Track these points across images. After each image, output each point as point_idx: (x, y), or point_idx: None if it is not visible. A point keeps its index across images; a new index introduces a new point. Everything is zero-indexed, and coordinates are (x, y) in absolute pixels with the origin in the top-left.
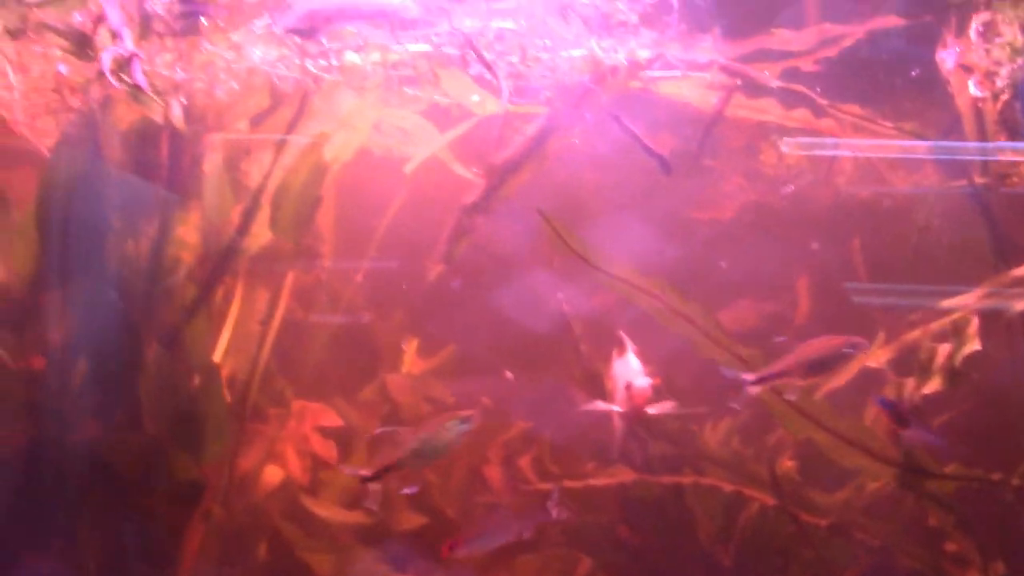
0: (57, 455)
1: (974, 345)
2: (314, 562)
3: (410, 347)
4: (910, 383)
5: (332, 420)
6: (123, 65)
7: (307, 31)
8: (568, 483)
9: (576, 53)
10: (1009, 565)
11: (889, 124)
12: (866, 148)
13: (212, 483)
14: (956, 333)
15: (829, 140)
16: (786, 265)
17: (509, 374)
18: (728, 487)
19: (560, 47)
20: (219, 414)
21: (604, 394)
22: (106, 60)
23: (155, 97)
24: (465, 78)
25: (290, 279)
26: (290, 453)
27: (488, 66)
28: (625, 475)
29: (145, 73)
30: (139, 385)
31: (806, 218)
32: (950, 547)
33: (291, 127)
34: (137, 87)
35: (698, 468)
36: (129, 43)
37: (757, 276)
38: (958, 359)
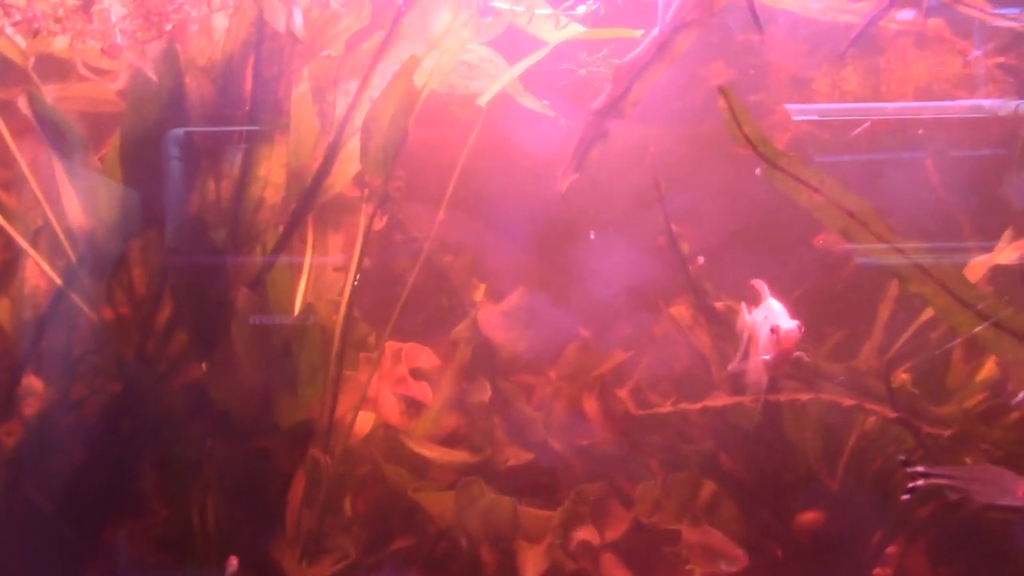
0: (153, 401)
1: None
2: (427, 502)
3: (479, 291)
4: None
5: (429, 360)
6: None
7: None
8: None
9: None
10: None
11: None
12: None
13: (315, 429)
14: None
15: None
16: None
17: (701, 259)
18: (848, 403)
19: None
20: (313, 358)
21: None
22: None
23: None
24: None
25: (372, 220)
26: (386, 396)
27: None
28: (722, 400)
29: None
30: (231, 330)
31: None
32: None
33: (381, 51)
34: None
35: (813, 386)
36: None
37: None
38: None
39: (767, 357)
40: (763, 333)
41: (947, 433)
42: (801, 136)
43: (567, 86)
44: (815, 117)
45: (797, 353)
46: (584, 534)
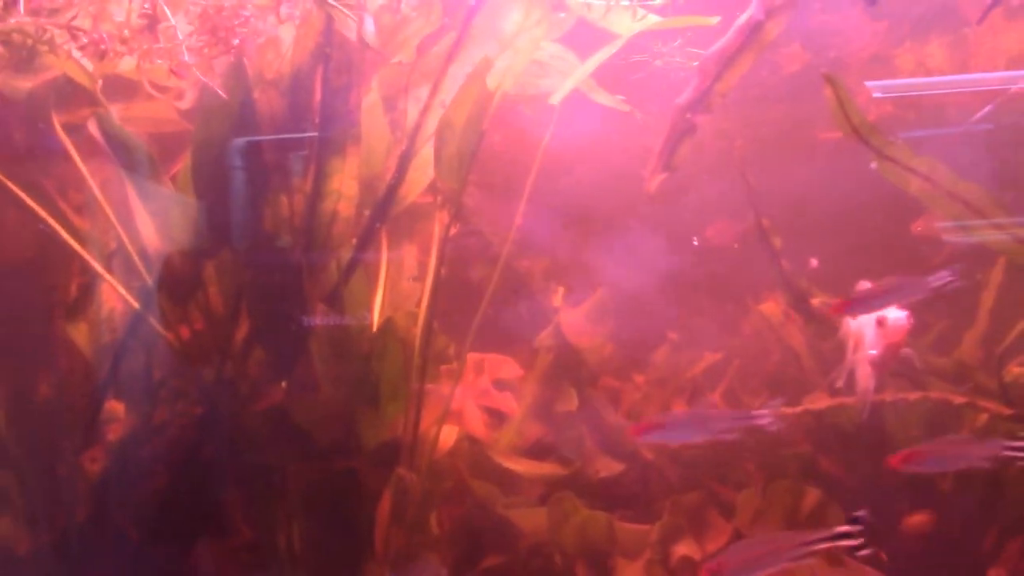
0: (234, 423)
1: None
2: (518, 518)
3: (557, 295)
4: None
5: (512, 371)
6: None
7: None
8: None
9: None
10: None
11: None
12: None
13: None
14: None
15: None
16: None
17: (814, 261)
18: (958, 400)
19: None
20: (394, 373)
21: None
22: None
23: (347, 12)
24: None
25: (447, 229)
26: (470, 409)
27: None
28: (822, 402)
29: None
30: (311, 348)
31: None
32: None
33: (452, 54)
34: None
35: (920, 383)
36: None
37: None
38: None
39: (874, 352)
40: (869, 328)
41: None
42: (885, 116)
43: (642, 79)
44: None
45: (905, 349)
46: (684, 548)
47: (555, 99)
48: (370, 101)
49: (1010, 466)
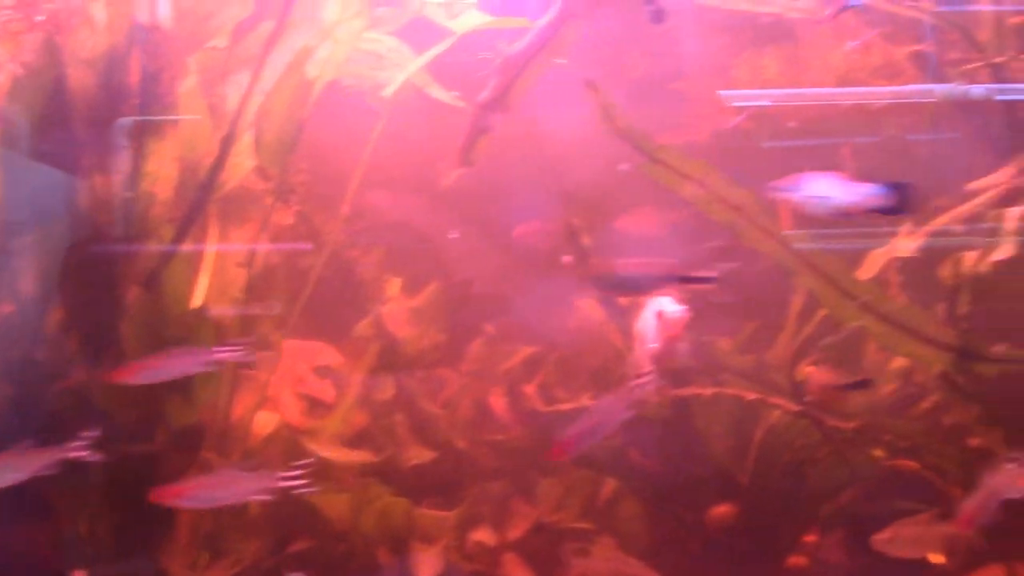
0: (40, 404)
1: None
2: (324, 504)
3: (393, 285)
4: (969, 257)
5: (330, 358)
6: None
7: None
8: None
9: None
10: None
11: (908, 3)
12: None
13: (208, 430)
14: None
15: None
16: None
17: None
18: (751, 396)
19: None
20: None
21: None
22: None
23: None
24: None
25: (272, 214)
26: (285, 396)
27: None
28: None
29: None
30: (121, 330)
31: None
32: (974, 442)
33: (271, 41)
34: None
35: (718, 380)
36: None
37: None
38: None
39: (655, 345)
40: (649, 320)
41: (850, 426)
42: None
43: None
44: (766, 103)
45: (681, 343)
46: (481, 534)
47: (387, 92)
48: (188, 85)
49: (809, 458)
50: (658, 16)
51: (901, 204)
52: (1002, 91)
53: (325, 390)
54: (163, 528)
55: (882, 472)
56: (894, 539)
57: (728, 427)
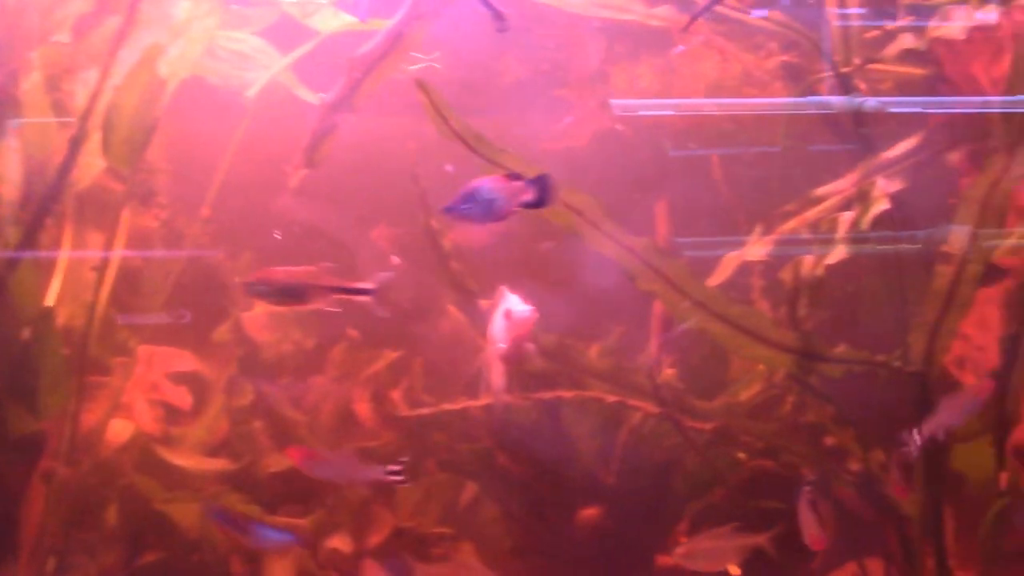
0: None
1: (882, 205)
2: (175, 513)
3: None
4: (808, 261)
5: (186, 363)
6: None
7: None
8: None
9: None
10: (888, 452)
11: (759, 14)
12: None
13: (53, 440)
14: (861, 198)
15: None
16: None
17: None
18: (611, 399)
19: None
20: (54, 365)
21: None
22: None
23: None
24: None
25: (127, 216)
26: (140, 403)
27: None
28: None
29: None
30: None
31: None
32: (829, 440)
33: (120, 38)
34: None
35: (579, 383)
36: None
37: None
38: (865, 222)
39: (503, 346)
40: (498, 320)
41: (709, 427)
42: (603, 132)
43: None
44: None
45: (528, 344)
46: (336, 542)
47: (250, 92)
48: (32, 80)
49: (678, 459)
50: (499, 22)
51: (541, 197)
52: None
53: (182, 397)
54: (5, 538)
55: (747, 472)
56: (691, 553)
57: (594, 429)
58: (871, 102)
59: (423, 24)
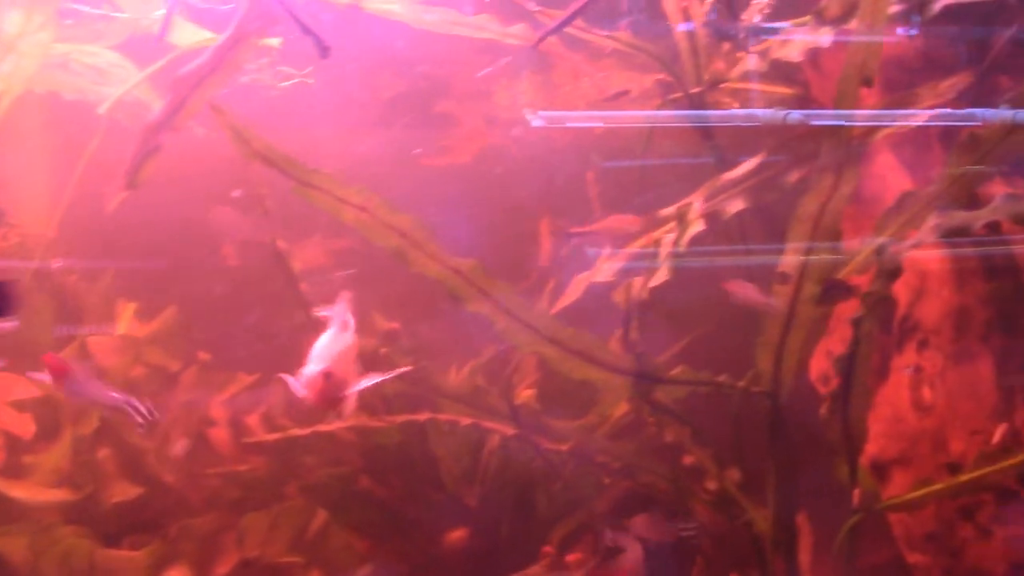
0: None
1: (698, 226)
2: (6, 548)
3: (127, 311)
4: (638, 281)
5: (26, 390)
6: None
7: None
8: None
9: None
10: (743, 471)
11: (604, 33)
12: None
13: None
14: (680, 219)
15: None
16: None
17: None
18: (466, 421)
19: None
20: None
21: None
22: None
23: None
24: None
25: None
26: None
27: None
28: (361, 420)
29: None
30: None
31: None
32: (688, 460)
33: None
34: None
35: (436, 406)
36: None
37: None
38: (683, 243)
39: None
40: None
41: (565, 448)
42: (490, 148)
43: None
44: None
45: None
46: (176, 574)
47: (102, 109)
48: None
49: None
50: (320, 49)
51: None
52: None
53: (24, 425)
54: None
55: (613, 493)
56: None
57: (456, 452)
58: (795, 114)
59: (248, 45)
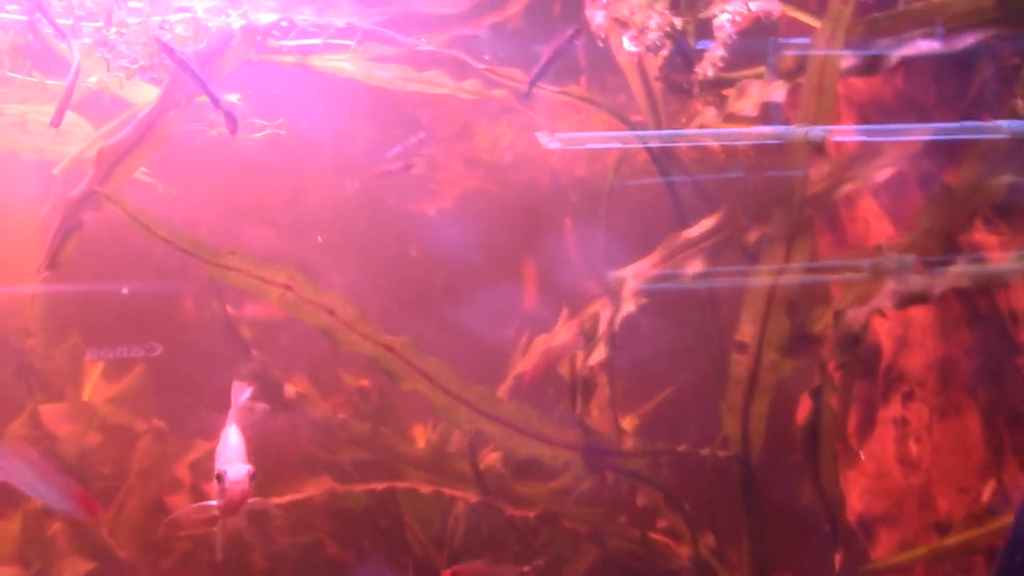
0: None
1: (629, 306)
2: None
3: (94, 371)
4: (580, 357)
5: None
6: None
7: None
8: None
9: (175, 18)
10: (717, 536)
11: (555, 88)
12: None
13: None
14: (612, 297)
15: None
16: None
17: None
18: (426, 488)
19: (156, 11)
20: None
21: None
22: None
23: None
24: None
25: None
26: None
27: (59, 30)
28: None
29: None
30: None
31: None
32: (661, 523)
33: None
34: None
35: (398, 472)
36: None
37: None
38: (617, 323)
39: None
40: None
41: (532, 514)
42: (471, 191)
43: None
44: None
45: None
46: None
47: (57, 170)
48: None
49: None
50: (229, 123)
51: None
52: None
53: None
54: None
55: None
56: None
57: (425, 516)
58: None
59: (176, 116)
